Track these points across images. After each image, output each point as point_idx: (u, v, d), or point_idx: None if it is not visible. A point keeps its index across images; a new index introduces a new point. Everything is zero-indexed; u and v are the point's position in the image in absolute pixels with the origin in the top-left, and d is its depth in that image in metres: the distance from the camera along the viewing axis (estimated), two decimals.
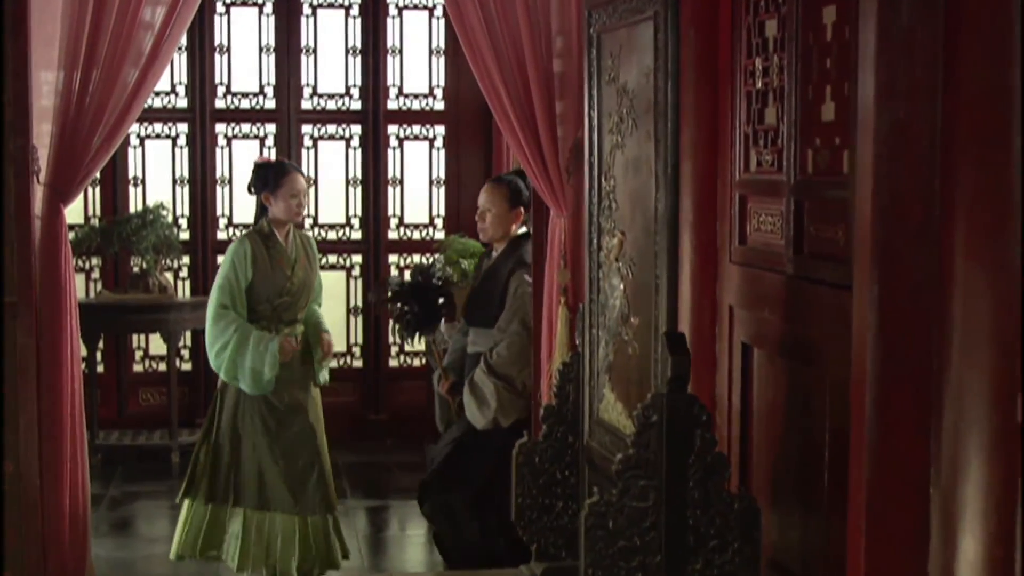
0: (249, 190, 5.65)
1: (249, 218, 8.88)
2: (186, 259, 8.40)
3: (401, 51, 8.55)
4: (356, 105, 8.55)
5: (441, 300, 6.12)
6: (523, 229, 5.72)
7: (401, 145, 8.62)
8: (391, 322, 6.99)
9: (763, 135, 4.40)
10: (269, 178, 5.48)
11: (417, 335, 6.20)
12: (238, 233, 8.46)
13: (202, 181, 8.36)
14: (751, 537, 3.73)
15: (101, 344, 7.98)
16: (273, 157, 7.59)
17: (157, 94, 8.00)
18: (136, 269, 7.97)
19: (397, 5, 8.50)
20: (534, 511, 4.47)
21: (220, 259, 8.45)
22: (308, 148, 8.46)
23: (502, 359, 5.48)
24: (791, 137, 4.15)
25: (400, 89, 8.59)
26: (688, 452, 3.69)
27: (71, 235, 5.36)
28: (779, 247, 4.27)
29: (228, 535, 5.42)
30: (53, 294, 4.65)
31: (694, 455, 3.70)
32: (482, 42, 4.90)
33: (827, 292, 3.90)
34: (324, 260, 7.86)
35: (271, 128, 8.46)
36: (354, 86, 8.56)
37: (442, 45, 8.59)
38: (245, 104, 8.42)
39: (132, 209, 8.13)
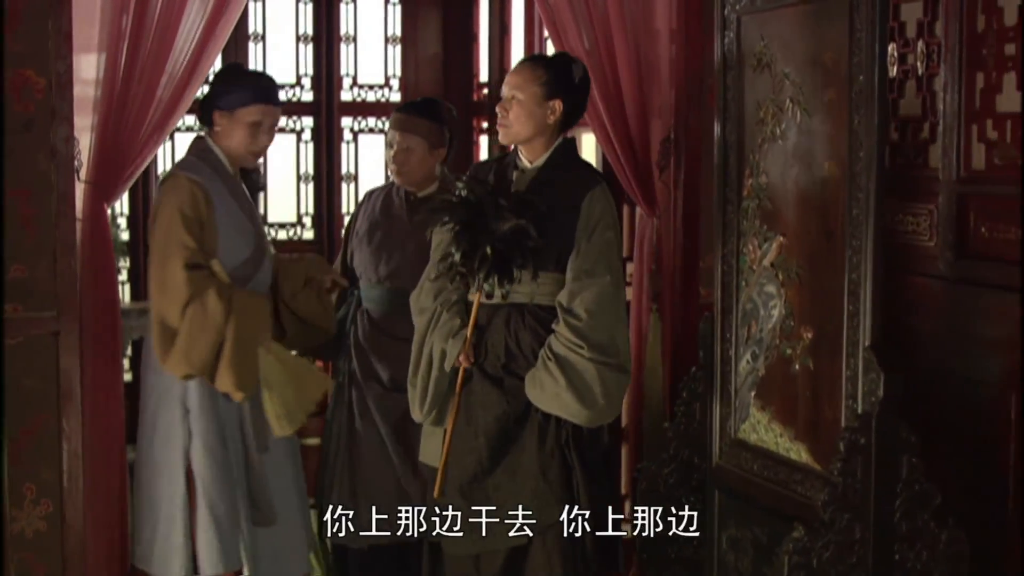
0: None
1: None
2: (125, 262, 7.70)
3: (355, 39, 7.99)
4: (308, 96, 7.95)
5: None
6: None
7: (356, 139, 8.05)
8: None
9: (897, 127, 4.06)
10: None
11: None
12: None
13: (143, 176, 7.65)
14: (957, 574, 3.38)
15: None
16: None
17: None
18: None
19: None
20: (657, 542, 4.05)
21: None
22: None
23: (595, 320, 3.73)
24: (951, 130, 3.81)
25: (354, 79, 8.03)
26: (896, 481, 3.33)
27: None
28: (928, 249, 3.94)
29: None
30: (99, 308, 4.07)
31: (902, 484, 3.34)
32: (568, 23, 4.45)
33: (1013, 299, 3.58)
34: None
35: None
36: (305, 75, 7.97)
37: (398, 32, 8.05)
38: None
39: None
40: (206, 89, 4.21)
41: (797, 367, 3.65)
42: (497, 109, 3.94)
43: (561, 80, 3.90)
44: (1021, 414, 3.51)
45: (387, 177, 8.02)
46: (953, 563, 3.36)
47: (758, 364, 3.82)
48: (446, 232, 3.81)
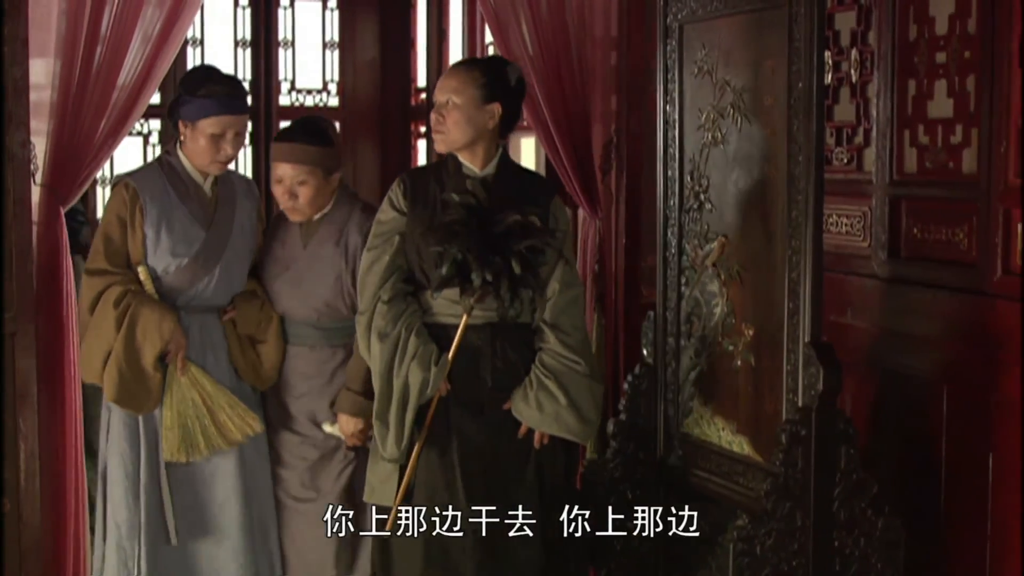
0: None
1: None
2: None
3: (293, 43, 8.06)
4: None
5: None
6: None
7: None
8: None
9: (833, 132, 4.22)
10: None
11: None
12: None
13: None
14: (893, 559, 3.54)
15: None
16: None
17: None
18: None
19: None
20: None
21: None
22: None
23: (581, 334, 3.81)
24: (884, 135, 3.98)
25: (292, 84, 8.10)
26: (835, 471, 3.48)
27: None
28: (861, 250, 4.10)
29: None
30: (54, 310, 4.11)
31: (840, 474, 3.48)
32: (511, 26, 4.56)
33: (944, 297, 3.75)
34: None
35: (155, 124, 7.81)
36: (244, 80, 8.01)
37: (336, 37, 8.14)
38: None
39: None
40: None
41: (739, 363, 3.79)
42: (432, 115, 3.73)
43: (498, 83, 3.72)
44: (951, 407, 3.69)
45: None
46: (889, 549, 3.51)
47: (701, 361, 3.95)
48: (449, 250, 3.57)
